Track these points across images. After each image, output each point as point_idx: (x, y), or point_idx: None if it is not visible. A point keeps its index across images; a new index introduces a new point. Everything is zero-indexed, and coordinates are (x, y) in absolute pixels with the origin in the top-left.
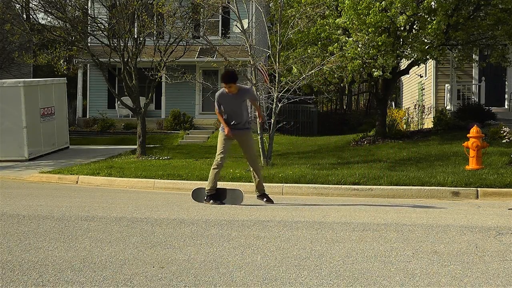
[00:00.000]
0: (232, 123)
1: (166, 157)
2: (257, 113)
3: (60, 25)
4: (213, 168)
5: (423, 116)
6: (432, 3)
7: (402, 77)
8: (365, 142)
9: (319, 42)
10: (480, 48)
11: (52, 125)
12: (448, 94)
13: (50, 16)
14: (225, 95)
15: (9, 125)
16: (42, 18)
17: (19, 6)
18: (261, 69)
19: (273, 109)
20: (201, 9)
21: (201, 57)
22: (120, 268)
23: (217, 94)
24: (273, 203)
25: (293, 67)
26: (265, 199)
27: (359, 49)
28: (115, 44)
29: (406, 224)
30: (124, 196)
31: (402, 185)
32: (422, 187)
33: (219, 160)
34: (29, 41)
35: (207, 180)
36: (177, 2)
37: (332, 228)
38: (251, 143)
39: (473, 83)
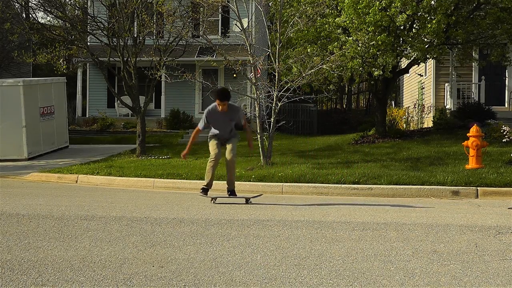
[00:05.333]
0: (220, 136)
1: (165, 156)
2: (247, 137)
3: (59, 24)
4: (209, 162)
5: (423, 115)
6: (432, 2)
7: (402, 76)
8: (365, 141)
9: (319, 41)
10: (480, 47)
11: (52, 124)
12: (448, 93)
13: (50, 15)
14: (216, 111)
15: (8, 124)
16: (42, 17)
17: (18, 5)
18: (258, 67)
19: (273, 108)
20: (201, 8)
21: (200, 56)
22: (120, 268)
23: (208, 109)
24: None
25: (293, 66)
26: (229, 193)
27: (359, 48)
28: (115, 43)
29: (406, 224)
30: (123, 196)
31: (402, 184)
32: (422, 186)
33: (213, 156)
34: (29, 40)
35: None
36: (177, 1)
37: (332, 228)
38: (235, 143)
39: (473, 82)
